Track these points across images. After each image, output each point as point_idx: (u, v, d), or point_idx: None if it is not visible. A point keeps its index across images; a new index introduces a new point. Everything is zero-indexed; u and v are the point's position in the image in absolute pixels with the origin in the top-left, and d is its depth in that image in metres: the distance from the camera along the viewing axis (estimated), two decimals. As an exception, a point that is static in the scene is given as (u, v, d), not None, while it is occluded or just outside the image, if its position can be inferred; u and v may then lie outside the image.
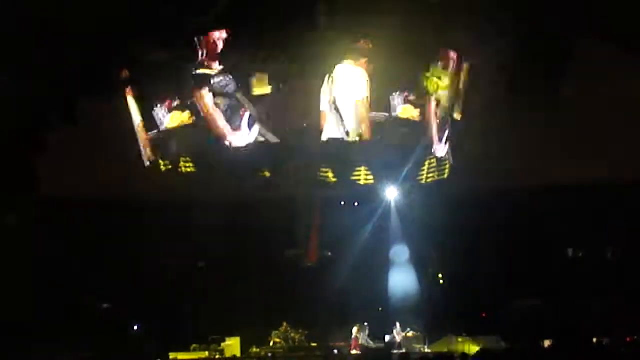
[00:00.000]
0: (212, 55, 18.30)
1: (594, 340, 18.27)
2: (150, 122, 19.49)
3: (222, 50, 18.07)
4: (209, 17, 16.25)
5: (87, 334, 21.48)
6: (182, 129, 19.15)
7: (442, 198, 22.96)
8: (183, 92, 19.12)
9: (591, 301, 24.27)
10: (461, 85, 19.82)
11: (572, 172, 22.64)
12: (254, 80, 18.72)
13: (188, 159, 19.73)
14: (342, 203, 25.86)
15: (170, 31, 16.14)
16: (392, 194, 24.31)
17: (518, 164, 22.22)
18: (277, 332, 23.94)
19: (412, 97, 19.45)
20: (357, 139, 19.17)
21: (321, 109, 19.00)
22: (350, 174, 20.73)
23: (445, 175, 21.14)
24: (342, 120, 19.00)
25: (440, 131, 20.01)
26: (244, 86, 18.65)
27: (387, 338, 24.36)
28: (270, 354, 22.70)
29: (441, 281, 26.35)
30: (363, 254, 25.15)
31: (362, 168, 20.73)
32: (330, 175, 20.56)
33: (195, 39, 17.86)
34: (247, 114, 18.62)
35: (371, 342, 23.91)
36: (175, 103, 19.25)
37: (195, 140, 19.21)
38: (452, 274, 25.61)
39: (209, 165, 19.89)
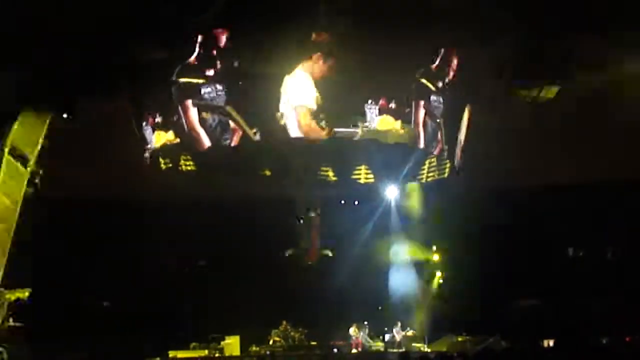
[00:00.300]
0: (206, 59, 16.97)
1: (594, 340, 18.28)
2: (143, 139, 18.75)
3: (217, 53, 16.82)
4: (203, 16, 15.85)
5: (87, 334, 21.47)
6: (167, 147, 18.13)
7: (442, 197, 22.96)
8: (167, 107, 17.81)
9: (591, 301, 24.27)
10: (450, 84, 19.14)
11: (572, 172, 22.63)
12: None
13: (188, 157, 19.69)
14: (342, 202, 25.84)
15: (164, 30, 15.78)
16: (392, 192, 24.30)
17: (518, 163, 22.20)
18: (276, 330, 23.97)
19: (392, 105, 17.85)
20: None
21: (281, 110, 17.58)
22: (351, 172, 20.70)
23: (446, 175, 21.10)
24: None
25: (431, 140, 19.34)
26: (235, 97, 17.16)
27: (387, 337, 24.37)
28: (269, 353, 22.71)
29: (441, 281, 26.31)
30: (363, 253, 25.14)
31: (362, 167, 20.70)
32: (331, 174, 20.52)
33: (194, 37, 16.60)
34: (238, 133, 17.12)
35: (371, 341, 23.93)
36: (158, 120, 18.31)
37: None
38: (452, 273, 25.60)
39: (209, 163, 19.85)
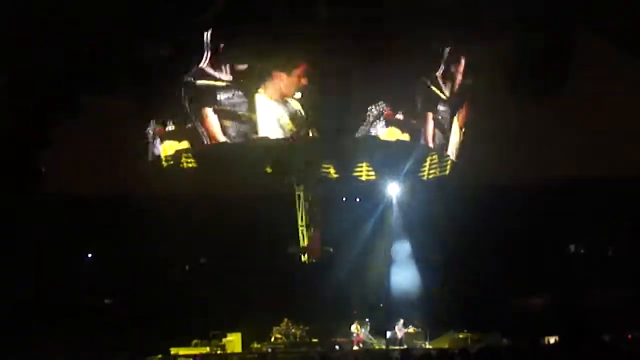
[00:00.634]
0: (219, 60, 16.68)
1: (595, 337, 18.26)
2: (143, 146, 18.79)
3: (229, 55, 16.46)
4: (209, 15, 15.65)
5: (88, 330, 21.48)
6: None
7: (443, 194, 22.94)
8: (180, 113, 17.65)
9: (592, 298, 24.26)
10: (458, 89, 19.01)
11: (573, 169, 22.63)
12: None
13: (189, 154, 19.70)
14: (344, 199, 25.84)
15: (173, 30, 15.63)
16: (393, 189, 24.27)
17: (519, 161, 22.21)
18: (278, 327, 23.94)
19: (399, 116, 17.79)
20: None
21: None
22: (352, 170, 20.71)
23: (447, 172, 21.12)
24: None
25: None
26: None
27: (388, 334, 24.36)
28: (271, 350, 22.70)
29: (442, 279, 26.25)
30: (364, 250, 25.12)
31: (364, 164, 20.71)
32: (332, 171, 20.54)
33: (204, 36, 15.89)
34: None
35: (372, 338, 23.92)
36: (170, 128, 18.02)
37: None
38: (453, 270, 25.56)
39: (211, 161, 19.87)
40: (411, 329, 24.04)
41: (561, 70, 15.81)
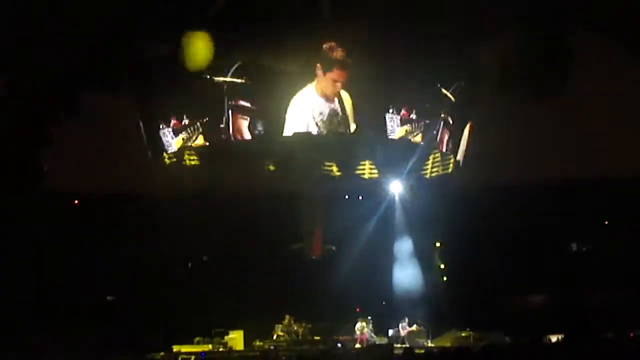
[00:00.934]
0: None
1: (597, 335, 18.25)
2: (156, 144, 18.83)
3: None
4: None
5: (91, 329, 21.50)
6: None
7: (446, 192, 22.90)
8: (195, 107, 17.89)
9: (594, 296, 24.24)
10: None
11: (575, 167, 22.61)
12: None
13: (192, 152, 19.72)
14: (346, 197, 25.80)
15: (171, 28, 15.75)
16: (396, 188, 24.24)
17: (521, 159, 22.20)
18: (280, 325, 23.95)
19: (413, 116, 18.04)
20: None
21: None
22: (354, 168, 20.71)
23: (450, 170, 21.11)
24: None
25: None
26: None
27: (391, 332, 24.35)
28: (273, 347, 22.70)
29: (444, 277, 26.23)
30: (367, 248, 25.09)
31: (366, 162, 20.70)
32: (335, 169, 20.54)
33: None
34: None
35: (375, 337, 23.90)
36: (185, 122, 18.13)
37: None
38: (456, 269, 25.55)
39: (213, 158, 19.89)
40: (413, 327, 24.03)
41: (562, 70, 15.81)
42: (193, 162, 20.06)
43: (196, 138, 18.36)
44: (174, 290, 24.01)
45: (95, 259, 23.09)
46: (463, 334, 23.09)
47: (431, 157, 20.84)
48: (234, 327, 23.56)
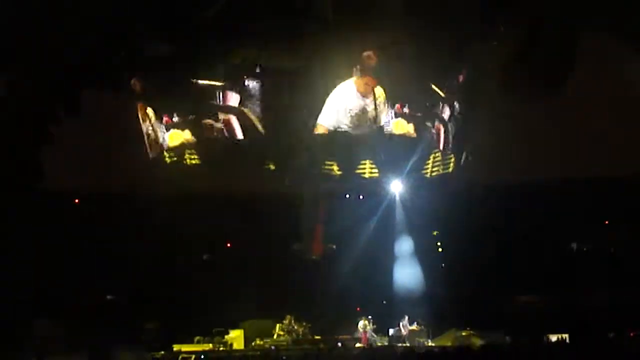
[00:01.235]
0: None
1: (597, 335, 18.29)
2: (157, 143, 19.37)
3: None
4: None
5: (91, 328, 21.51)
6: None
7: (446, 192, 22.92)
8: (184, 105, 18.59)
9: (594, 296, 24.24)
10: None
11: (575, 167, 22.59)
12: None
13: (193, 151, 19.75)
14: (347, 196, 25.82)
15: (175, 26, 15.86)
16: (396, 187, 24.24)
17: (521, 159, 22.19)
18: (281, 324, 23.95)
19: (406, 110, 18.75)
20: None
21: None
22: (355, 167, 20.74)
23: (450, 169, 21.12)
24: None
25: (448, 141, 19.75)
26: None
27: (391, 331, 24.36)
28: (273, 347, 22.70)
29: (445, 274, 26.22)
30: (367, 247, 25.11)
31: (367, 161, 20.73)
32: (335, 168, 20.57)
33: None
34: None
35: (375, 336, 23.91)
36: (175, 119, 18.80)
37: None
38: (456, 269, 25.55)
39: (214, 158, 19.91)
40: (414, 327, 24.04)
41: (562, 70, 15.79)
42: (194, 162, 20.09)
43: (186, 133, 19.04)
44: (174, 290, 24.03)
45: (95, 259, 23.09)
46: (463, 334, 23.09)
47: (432, 156, 20.85)
48: (235, 327, 23.58)
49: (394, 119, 18.81)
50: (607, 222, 25.59)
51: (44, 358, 18.25)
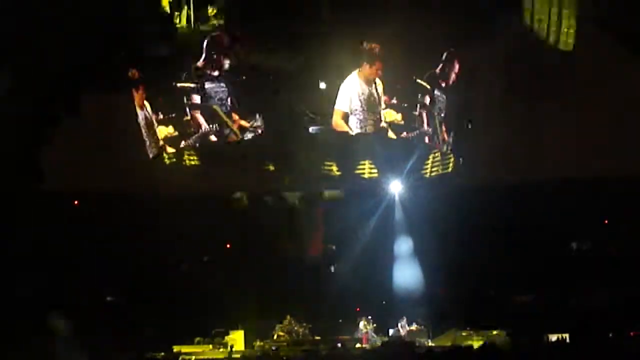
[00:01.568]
0: (212, 60, 19.27)
1: (597, 335, 18.30)
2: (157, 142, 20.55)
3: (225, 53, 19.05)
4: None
5: (90, 329, 21.46)
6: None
7: (446, 191, 22.92)
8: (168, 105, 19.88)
9: (594, 296, 24.24)
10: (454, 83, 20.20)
11: (575, 167, 22.60)
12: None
13: (192, 151, 19.83)
14: (346, 196, 25.78)
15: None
16: (396, 187, 24.24)
17: (522, 159, 22.21)
18: (281, 325, 23.94)
19: (394, 101, 20.44)
20: None
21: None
22: (354, 167, 20.81)
23: (450, 169, 21.19)
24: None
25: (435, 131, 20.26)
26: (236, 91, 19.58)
27: (391, 332, 24.35)
28: (274, 348, 22.69)
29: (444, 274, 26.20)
30: (367, 247, 25.10)
31: (366, 162, 20.80)
32: (334, 168, 20.64)
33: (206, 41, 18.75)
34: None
35: (375, 336, 23.89)
36: (160, 116, 20.16)
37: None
38: (456, 268, 25.54)
39: (213, 158, 19.99)
40: (414, 327, 24.03)
41: (561, 70, 15.84)
42: (193, 162, 20.16)
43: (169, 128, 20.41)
44: (174, 290, 24.01)
45: (95, 259, 23.06)
46: (463, 334, 23.08)
47: (431, 156, 20.95)
48: (235, 328, 23.56)
49: (385, 109, 20.66)
50: (607, 222, 25.56)
51: (43, 358, 18.22)
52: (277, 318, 24.10)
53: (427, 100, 20.53)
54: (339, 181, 21.14)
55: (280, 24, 18.02)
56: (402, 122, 20.54)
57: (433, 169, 21.17)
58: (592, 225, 25.54)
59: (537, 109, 18.85)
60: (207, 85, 19.82)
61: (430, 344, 23.20)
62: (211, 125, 20.11)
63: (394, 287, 25.67)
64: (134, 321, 22.98)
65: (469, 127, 20.74)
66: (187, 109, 20.11)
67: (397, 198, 24.62)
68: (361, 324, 23.90)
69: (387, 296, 25.64)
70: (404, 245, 25.82)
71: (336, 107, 20.14)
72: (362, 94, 20.24)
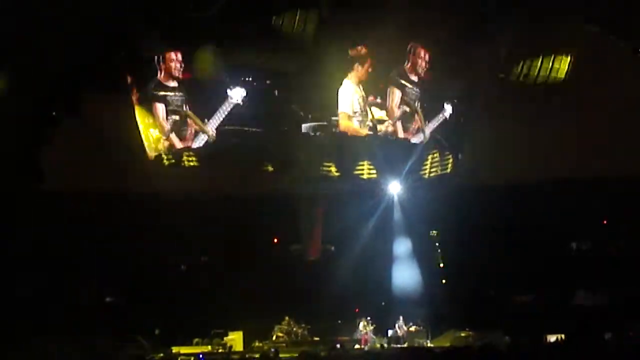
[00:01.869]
0: (170, 74, 19.23)
1: (597, 335, 18.28)
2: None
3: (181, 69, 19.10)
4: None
5: (88, 329, 21.45)
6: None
7: (445, 192, 22.93)
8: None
9: (594, 296, 24.26)
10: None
11: (575, 167, 22.61)
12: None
13: (191, 153, 19.84)
14: (345, 197, 25.78)
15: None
16: (395, 188, 24.27)
17: (522, 159, 22.23)
18: (280, 326, 23.96)
19: (379, 100, 20.68)
20: None
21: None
22: (353, 168, 20.84)
23: (448, 170, 21.21)
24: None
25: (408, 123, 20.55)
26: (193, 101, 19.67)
27: (390, 332, 24.37)
28: (273, 349, 22.70)
29: (444, 279, 26.23)
30: (366, 248, 25.11)
31: (365, 162, 20.82)
32: (333, 169, 20.67)
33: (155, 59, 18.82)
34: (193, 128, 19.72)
35: (374, 337, 23.91)
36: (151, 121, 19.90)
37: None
38: (456, 269, 25.57)
39: (212, 159, 20.00)
40: (413, 328, 24.05)
41: (561, 69, 15.87)
42: (192, 163, 20.16)
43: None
44: (173, 290, 24.01)
45: (95, 259, 23.06)
46: (462, 334, 23.10)
47: (430, 156, 20.96)
48: (234, 328, 23.56)
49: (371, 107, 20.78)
50: (606, 222, 25.58)
51: (43, 358, 18.21)
52: (276, 319, 24.13)
53: (402, 95, 20.71)
54: (338, 182, 21.11)
55: (272, 25, 18.13)
56: (387, 119, 20.65)
57: (432, 170, 21.18)
58: (592, 225, 25.57)
59: (537, 108, 18.85)
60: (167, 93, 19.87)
61: (429, 344, 23.24)
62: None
63: (393, 288, 25.69)
64: (134, 321, 22.95)
65: (445, 116, 20.89)
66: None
67: (396, 199, 24.65)
68: (360, 325, 23.93)
69: (386, 297, 25.65)
70: (403, 246, 25.85)
71: (340, 110, 20.09)
72: (360, 95, 20.22)
